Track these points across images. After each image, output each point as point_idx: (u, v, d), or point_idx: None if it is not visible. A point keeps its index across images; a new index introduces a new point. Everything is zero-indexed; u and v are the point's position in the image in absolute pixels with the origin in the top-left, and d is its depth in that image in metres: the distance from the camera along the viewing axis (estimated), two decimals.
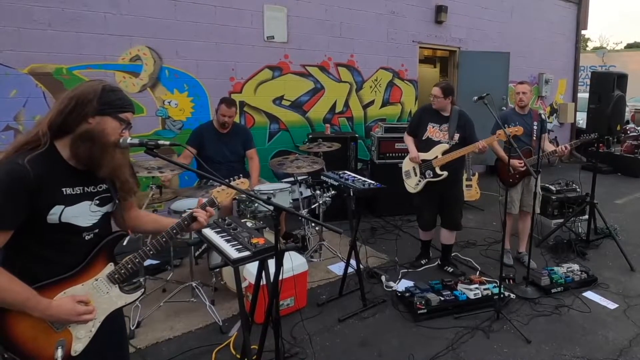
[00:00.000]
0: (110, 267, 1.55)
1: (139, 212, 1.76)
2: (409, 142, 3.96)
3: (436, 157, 3.75)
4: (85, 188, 1.48)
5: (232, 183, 1.88)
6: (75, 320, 1.43)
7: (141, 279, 3.31)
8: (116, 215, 1.62)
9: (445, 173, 3.71)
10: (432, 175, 3.77)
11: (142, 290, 1.67)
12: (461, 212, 4.01)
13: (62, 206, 1.40)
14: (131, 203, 1.68)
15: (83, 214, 1.46)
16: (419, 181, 3.84)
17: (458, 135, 3.76)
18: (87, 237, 1.49)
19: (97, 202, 1.51)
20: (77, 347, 1.47)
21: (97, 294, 1.50)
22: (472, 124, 3.82)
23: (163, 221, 1.76)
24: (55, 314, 1.39)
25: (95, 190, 1.51)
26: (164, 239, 1.63)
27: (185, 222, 1.66)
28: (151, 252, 1.59)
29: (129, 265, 1.56)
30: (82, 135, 1.40)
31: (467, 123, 3.79)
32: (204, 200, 1.78)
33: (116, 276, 1.54)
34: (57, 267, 1.44)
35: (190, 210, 1.69)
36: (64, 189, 1.41)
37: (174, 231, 1.64)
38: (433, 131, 3.81)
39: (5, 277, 1.31)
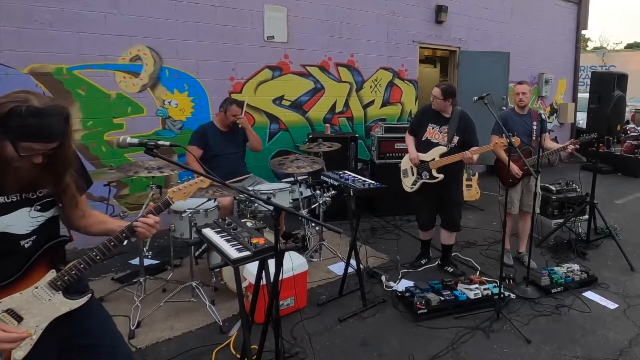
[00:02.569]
0: (52, 274, 1.49)
1: (89, 212, 1.67)
2: (409, 142, 3.95)
3: (433, 159, 3.75)
4: (24, 194, 1.42)
5: (190, 182, 1.76)
6: (8, 348, 1.36)
7: (141, 279, 3.31)
8: (65, 218, 1.56)
9: (441, 176, 3.71)
10: (428, 177, 3.77)
11: (90, 294, 1.60)
12: (460, 213, 4.01)
13: None
14: (81, 201, 1.60)
15: (20, 222, 1.42)
16: (416, 181, 3.85)
17: (457, 138, 3.74)
18: (25, 245, 1.44)
19: (39, 207, 1.46)
20: (17, 355, 1.41)
21: (37, 302, 1.46)
22: (472, 127, 3.79)
23: (109, 224, 1.69)
24: None
25: (35, 196, 1.46)
26: (112, 243, 1.56)
27: (124, 235, 1.57)
28: (97, 257, 1.53)
29: (73, 272, 1.50)
30: None
31: (467, 126, 3.76)
32: (154, 206, 1.69)
33: (59, 283, 1.48)
34: None
35: (131, 222, 1.60)
36: None
37: (123, 235, 1.57)
38: (432, 132, 3.80)
39: None
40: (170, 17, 4.73)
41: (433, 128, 3.80)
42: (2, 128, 1.30)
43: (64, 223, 1.58)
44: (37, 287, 1.46)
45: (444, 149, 3.73)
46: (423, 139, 3.84)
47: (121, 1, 4.42)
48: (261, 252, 2.01)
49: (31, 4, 3.98)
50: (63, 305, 1.51)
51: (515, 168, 3.86)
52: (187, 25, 4.84)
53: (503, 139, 3.39)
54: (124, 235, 1.56)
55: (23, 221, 1.42)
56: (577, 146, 3.99)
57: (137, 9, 4.52)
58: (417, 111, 4.16)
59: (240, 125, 4.25)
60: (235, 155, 4.26)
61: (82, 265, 1.51)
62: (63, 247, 1.55)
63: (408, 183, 3.92)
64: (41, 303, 1.46)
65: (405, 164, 3.97)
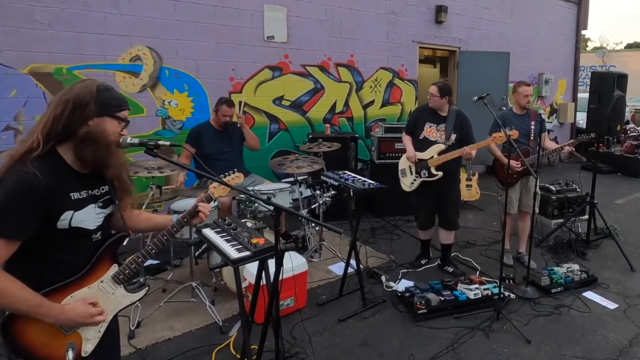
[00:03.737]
0: (114, 269, 1.57)
1: (133, 212, 1.77)
2: (406, 141, 3.96)
3: (432, 157, 3.75)
4: (90, 191, 1.49)
5: (227, 178, 1.89)
6: (89, 322, 1.43)
7: (141, 279, 3.31)
8: (115, 217, 1.62)
9: (440, 173, 3.71)
10: (427, 175, 3.77)
11: (147, 288, 1.69)
12: (458, 212, 4.01)
13: (72, 211, 1.41)
14: (127, 203, 1.68)
15: (90, 217, 1.47)
16: (414, 180, 3.85)
17: (455, 136, 3.76)
18: (94, 240, 1.51)
19: (101, 204, 1.52)
20: (87, 348, 1.48)
21: (103, 296, 1.52)
22: (469, 125, 3.80)
23: (156, 219, 1.79)
24: (68, 318, 1.39)
25: (99, 193, 1.52)
26: (165, 237, 1.64)
27: (185, 219, 1.68)
28: (153, 251, 1.61)
29: (133, 265, 1.58)
30: (85, 138, 1.40)
31: (464, 124, 3.77)
32: (204, 196, 1.81)
33: (121, 277, 1.56)
34: (67, 269, 1.45)
35: (192, 206, 1.70)
36: (72, 194, 1.42)
37: (174, 229, 1.66)
38: (430, 131, 3.81)
39: (16, 285, 1.30)
40: (170, 17, 4.73)
41: (430, 126, 3.81)
42: (100, 106, 1.41)
43: (115, 224, 1.64)
44: (102, 281, 1.53)
45: (442, 147, 3.73)
46: (421, 138, 3.84)
47: (121, 1, 4.42)
48: (261, 252, 2.00)
49: (31, 4, 3.98)
50: (125, 298, 1.59)
51: (512, 162, 3.84)
52: (187, 25, 4.84)
53: (501, 133, 3.39)
54: (174, 229, 1.66)
55: (91, 217, 1.48)
56: (572, 148, 3.99)
57: (137, 9, 4.52)
58: (413, 111, 4.17)
59: (239, 124, 4.26)
60: (231, 155, 4.25)
61: (140, 259, 1.59)
62: (121, 243, 1.62)
63: (407, 182, 3.93)
64: (107, 297, 1.53)
65: (403, 163, 3.97)
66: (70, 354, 1.39)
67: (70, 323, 1.41)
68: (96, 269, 1.52)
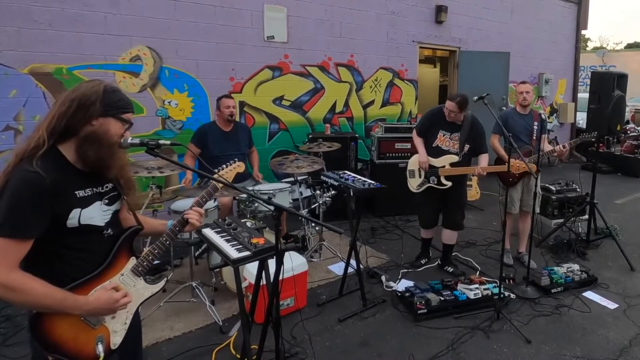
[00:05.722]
0: (132, 261, 1.59)
1: (128, 214, 1.77)
2: (418, 143, 3.90)
3: (444, 166, 3.73)
4: (95, 189, 1.49)
5: (228, 167, 1.90)
6: (116, 307, 1.45)
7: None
8: (124, 213, 1.64)
9: (449, 184, 3.70)
10: (436, 182, 3.75)
11: (166, 279, 1.71)
12: (463, 213, 4.01)
13: (79, 209, 1.42)
14: (132, 199, 1.68)
15: (97, 214, 1.48)
16: (422, 184, 3.83)
17: (468, 146, 3.73)
18: (107, 236, 1.52)
19: (107, 201, 1.53)
20: (116, 340, 1.51)
21: (125, 288, 1.53)
22: (483, 133, 3.76)
23: (150, 222, 1.80)
24: (95, 307, 1.41)
25: (104, 190, 1.53)
26: (177, 228, 1.65)
27: (181, 222, 1.68)
28: (167, 242, 1.63)
29: (150, 257, 1.60)
30: (88, 137, 1.40)
31: (478, 133, 3.74)
32: (209, 188, 1.82)
33: (139, 269, 1.58)
34: (85, 266, 1.46)
35: (183, 213, 1.70)
36: (77, 192, 1.43)
37: (177, 228, 1.67)
38: (443, 139, 3.77)
39: (39, 283, 1.32)
40: (170, 17, 4.73)
41: (444, 135, 3.77)
42: (105, 107, 1.42)
43: (124, 219, 1.66)
44: (122, 275, 1.55)
45: (455, 158, 3.71)
46: (433, 145, 3.80)
47: (121, 1, 4.42)
48: (261, 252, 2.00)
49: (31, 4, 3.98)
50: (146, 290, 1.62)
51: (516, 162, 3.84)
52: (187, 25, 4.84)
53: (519, 161, 3.43)
54: (186, 219, 1.67)
55: (99, 214, 1.49)
56: (564, 148, 4.05)
57: (137, 9, 4.52)
58: (427, 113, 4.03)
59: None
60: (236, 157, 4.23)
61: (156, 251, 1.61)
62: (136, 236, 1.63)
63: (414, 184, 3.91)
64: (128, 289, 1.54)
65: (413, 164, 3.93)
66: (100, 347, 1.41)
67: (97, 312, 1.43)
68: (115, 263, 1.53)
